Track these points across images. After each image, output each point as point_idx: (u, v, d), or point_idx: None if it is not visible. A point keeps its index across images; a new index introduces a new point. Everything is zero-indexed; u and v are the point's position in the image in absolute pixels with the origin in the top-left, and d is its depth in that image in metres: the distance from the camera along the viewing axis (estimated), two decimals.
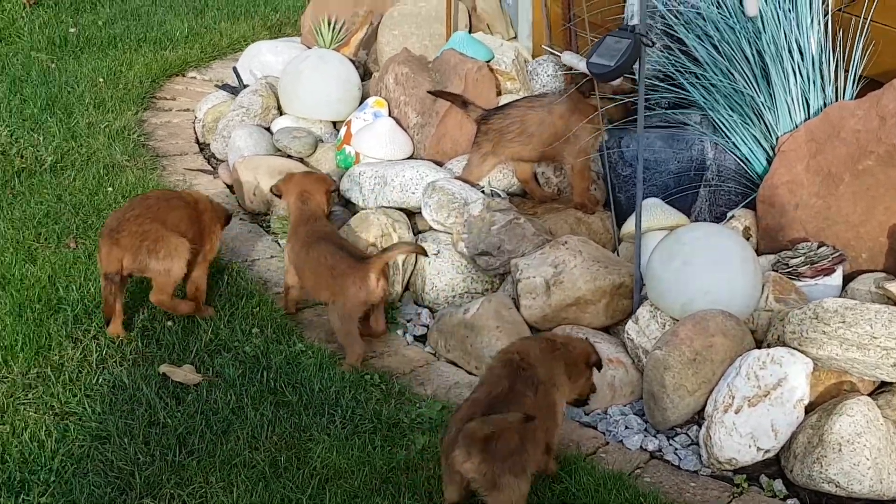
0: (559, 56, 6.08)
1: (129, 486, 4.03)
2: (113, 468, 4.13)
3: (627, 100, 5.27)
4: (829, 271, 4.76)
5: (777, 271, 4.79)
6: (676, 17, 5.28)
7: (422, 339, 5.22)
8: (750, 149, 5.25)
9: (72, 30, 8.82)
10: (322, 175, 5.54)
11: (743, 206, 5.24)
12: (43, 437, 4.27)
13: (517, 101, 5.83)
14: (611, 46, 4.52)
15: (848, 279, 4.82)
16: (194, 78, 8.19)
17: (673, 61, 5.27)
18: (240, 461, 4.14)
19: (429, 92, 5.95)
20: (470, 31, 6.94)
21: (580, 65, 5.50)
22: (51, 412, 4.45)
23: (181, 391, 4.56)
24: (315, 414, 4.43)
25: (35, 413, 4.43)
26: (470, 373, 4.88)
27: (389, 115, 6.29)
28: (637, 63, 4.61)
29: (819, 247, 4.86)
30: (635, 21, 5.42)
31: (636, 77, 4.78)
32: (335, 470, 4.10)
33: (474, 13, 7.15)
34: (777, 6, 5.10)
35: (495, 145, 5.62)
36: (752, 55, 5.14)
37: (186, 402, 4.49)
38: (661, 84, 5.31)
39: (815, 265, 4.77)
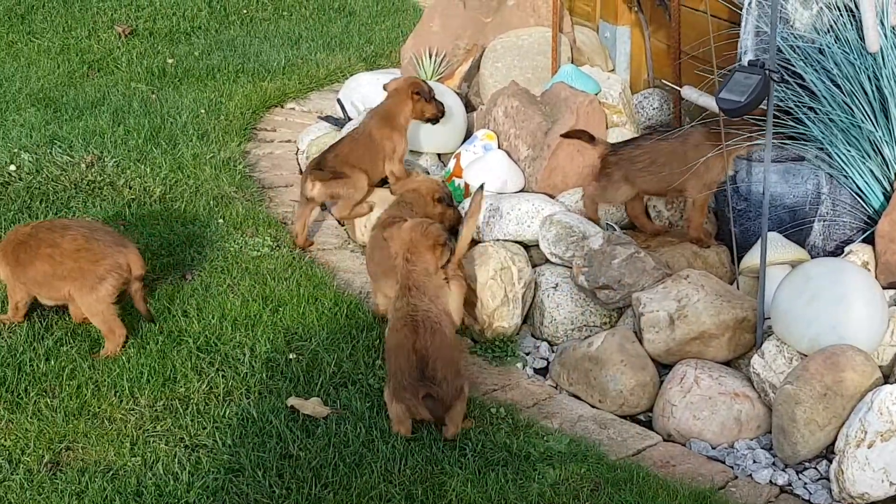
0: (678, 90, 6.08)
1: None
2: (249, 501, 4.19)
3: (753, 134, 5.28)
4: None
5: None
6: (795, 52, 5.29)
7: (541, 371, 5.25)
8: (867, 183, 5.24)
9: (169, 60, 8.94)
10: None
11: (860, 241, 5.23)
12: (177, 470, 4.33)
13: (645, 134, 5.86)
14: (740, 82, 4.53)
15: None
16: (293, 109, 8.26)
17: (791, 96, 5.27)
18: (376, 494, 4.19)
19: (562, 135, 5.92)
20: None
21: (700, 99, 5.51)
22: (181, 444, 4.51)
23: (310, 424, 4.61)
24: (446, 447, 4.46)
25: (165, 445, 4.50)
26: (594, 406, 4.91)
27: (499, 147, 6.33)
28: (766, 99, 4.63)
29: None
30: (750, 56, 5.46)
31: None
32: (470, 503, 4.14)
33: (574, 46, 7.19)
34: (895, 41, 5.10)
35: (627, 173, 5.61)
36: (872, 90, 5.14)
37: (316, 434, 4.53)
38: (779, 117, 5.31)
39: None
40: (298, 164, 7.33)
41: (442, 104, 6.41)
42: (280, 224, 6.37)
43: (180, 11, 10.21)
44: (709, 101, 5.40)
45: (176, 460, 4.40)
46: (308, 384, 4.89)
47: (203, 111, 7.85)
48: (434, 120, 6.40)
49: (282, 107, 8.30)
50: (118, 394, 4.80)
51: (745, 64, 5.18)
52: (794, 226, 5.39)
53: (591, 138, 5.74)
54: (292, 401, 4.74)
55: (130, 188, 6.70)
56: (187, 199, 6.60)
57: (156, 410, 4.72)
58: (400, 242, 4.91)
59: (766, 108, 4.71)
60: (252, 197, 6.75)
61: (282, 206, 6.71)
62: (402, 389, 4.56)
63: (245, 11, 10.44)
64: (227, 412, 4.69)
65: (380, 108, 6.34)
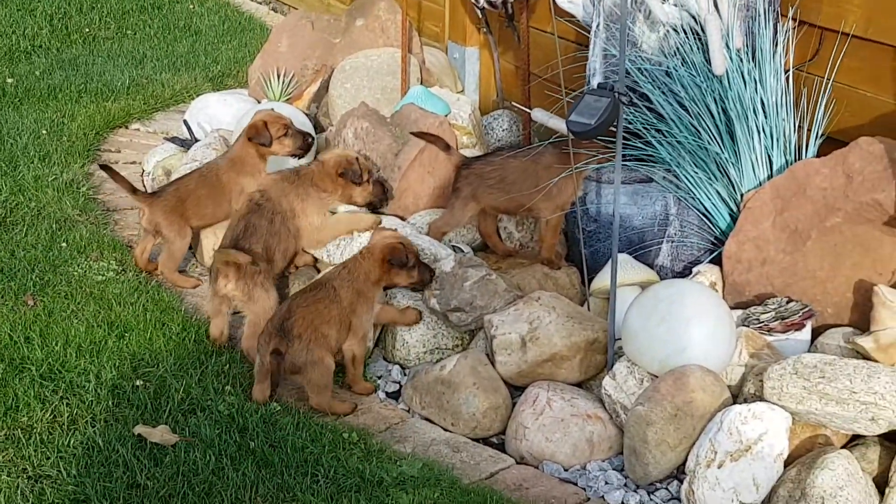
0: (528, 112, 6.11)
1: None
2: None
3: (603, 156, 5.32)
4: (799, 326, 4.83)
5: (748, 326, 4.85)
6: (643, 75, 5.34)
7: (393, 395, 5.20)
8: (714, 204, 5.32)
9: (9, 80, 8.68)
10: None
11: (708, 262, 5.30)
12: (19, 502, 4.18)
13: (500, 149, 5.87)
14: (590, 105, 4.56)
15: (815, 333, 4.89)
16: (138, 130, 8.08)
17: (640, 118, 5.33)
18: None
19: (412, 133, 5.92)
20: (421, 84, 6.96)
21: (550, 121, 5.54)
22: (24, 475, 4.35)
23: (158, 452, 4.49)
24: (297, 473, 4.38)
25: (7, 476, 4.33)
26: (446, 429, 4.88)
27: None
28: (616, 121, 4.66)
29: (788, 302, 4.93)
30: (598, 79, 5.51)
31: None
32: None
33: (424, 66, 7.18)
34: (740, 64, 5.19)
35: (475, 189, 5.62)
36: (718, 112, 5.22)
37: (165, 463, 4.42)
38: (628, 139, 5.36)
39: (786, 320, 4.84)
40: (144, 186, 7.17)
41: (301, 136, 6.14)
42: (126, 247, 6.23)
43: (20, 30, 9.93)
44: (559, 124, 5.43)
45: (19, 492, 4.24)
46: (155, 411, 4.77)
47: (45, 132, 7.64)
48: (295, 155, 6.16)
49: (126, 127, 8.11)
50: None
51: (594, 86, 5.23)
52: (643, 247, 5.45)
53: (446, 147, 5.75)
54: (139, 429, 4.61)
55: None
56: (29, 222, 6.41)
57: None
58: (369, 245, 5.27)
59: (615, 130, 4.74)
60: (96, 220, 6.59)
61: (127, 230, 6.56)
62: (261, 334, 4.94)
63: (88, 30, 10.20)
64: (72, 441, 4.54)
65: (229, 152, 6.19)
